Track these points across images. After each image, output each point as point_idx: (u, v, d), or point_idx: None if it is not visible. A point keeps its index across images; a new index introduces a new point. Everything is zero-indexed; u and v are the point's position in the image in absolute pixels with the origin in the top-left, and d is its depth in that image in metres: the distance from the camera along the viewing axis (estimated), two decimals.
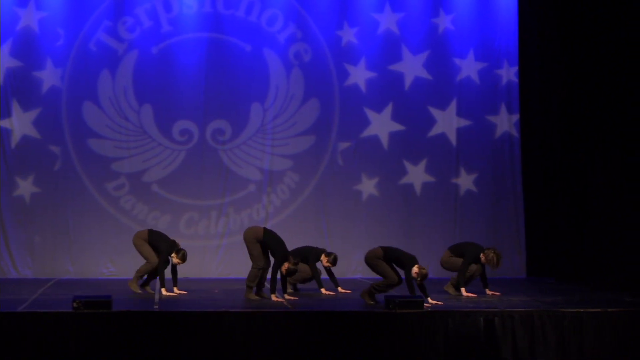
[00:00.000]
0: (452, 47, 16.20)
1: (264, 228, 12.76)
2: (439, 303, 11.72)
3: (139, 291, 12.98)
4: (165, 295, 12.72)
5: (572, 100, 15.76)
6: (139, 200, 15.54)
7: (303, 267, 13.10)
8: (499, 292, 13.09)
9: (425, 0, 16.15)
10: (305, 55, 15.95)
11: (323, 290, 13.10)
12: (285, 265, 12.34)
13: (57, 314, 10.66)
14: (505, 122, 16.25)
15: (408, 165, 16.08)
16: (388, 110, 16.08)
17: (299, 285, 13.54)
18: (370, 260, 12.24)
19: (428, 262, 15.61)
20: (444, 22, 16.15)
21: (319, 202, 15.93)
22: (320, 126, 15.97)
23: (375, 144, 16.04)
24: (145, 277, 13.12)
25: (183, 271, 14.40)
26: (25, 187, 15.35)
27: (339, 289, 13.31)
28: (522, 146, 16.30)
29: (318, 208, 15.90)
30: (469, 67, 16.20)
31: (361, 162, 16.02)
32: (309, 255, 13.26)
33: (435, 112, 16.16)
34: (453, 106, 16.18)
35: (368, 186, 16.01)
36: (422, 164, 16.11)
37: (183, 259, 12.99)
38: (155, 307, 11.62)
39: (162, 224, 15.37)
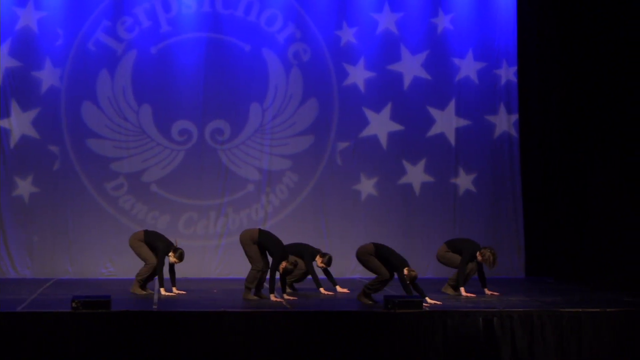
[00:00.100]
0: (451, 47, 16.20)
1: (259, 229, 12.78)
2: (438, 303, 11.72)
3: (144, 292, 12.98)
4: (164, 295, 12.72)
5: (571, 100, 15.77)
6: (138, 200, 15.54)
7: (296, 261, 13.09)
8: (498, 292, 13.10)
9: (424, 0, 16.15)
10: (304, 55, 15.95)
11: (322, 290, 13.10)
12: (283, 264, 12.35)
13: (56, 314, 10.67)
14: (504, 122, 16.25)
15: (407, 165, 16.09)
16: (387, 110, 16.08)
17: (298, 285, 13.55)
18: (362, 256, 12.28)
19: (427, 262, 15.68)
20: (443, 22, 16.15)
21: (317, 202, 15.93)
22: (319, 126, 15.97)
23: (374, 143, 16.04)
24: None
25: (182, 271, 14.42)
26: (24, 187, 15.34)
27: (338, 287, 13.31)
28: (521, 146, 16.30)
29: (317, 208, 15.90)
30: (468, 67, 16.20)
31: (360, 162, 16.02)
32: (304, 252, 13.26)
33: (434, 112, 16.16)
34: (452, 106, 16.18)
35: (367, 186, 16.01)
36: (421, 164, 16.11)
37: (180, 258, 12.99)
38: (154, 307, 11.62)
39: (161, 224, 15.37)
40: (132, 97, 15.61)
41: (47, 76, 15.41)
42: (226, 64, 15.78)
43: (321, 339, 10.79)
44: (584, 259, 15.32)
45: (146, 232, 13.33)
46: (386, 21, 16.05)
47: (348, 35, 15.98)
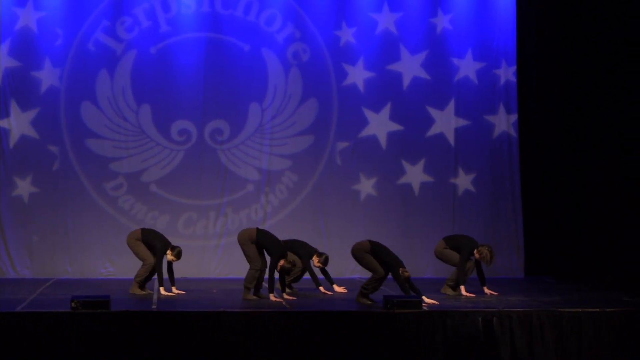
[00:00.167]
0: (451, 47, 16.20)
1: (257, 228, 12.79)
2: (435, 302, 11.73)
3: (143, 292, 12.98)
4: (164, 295, 12.72)
5: (570, 100, 15.79)
6: (138, 200, 15.54)
7: (294, 261, 13.09)
8: (497, 292, 13.10)
9: (424, 0, 16.15)
10: (304, 55, 15.95)
11: (321, 289, 13.10)
12: (281, 263, 12.35)
13: (55, 314, 10.67)
14: (503, 122, 16.24)
15: (406, 165, 16.09)
16: (386, 110, 16.08)
17: (297, 285, 13.54)
18: (357, 253, 12.30)
19: (426, 262, 15.69)
20: (442, 22, 16.15)
21: (317, 202, 15.93)
22: (318, 126, 15.97)
23: (373, 143, 16.04)
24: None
25: (181, 271, 14.43)
26: (24, 187, 15.34)
27: (335, 286, 13.31)
28: (521, 146, 16.30)
29: (316, 208, 15.90)
30: (467, 67, 16.20)
31: (359, 162, 16.02)
32: (301, 251, 13.23)
33: (433, 112, 16.16)
34: (451, 106, 16.18)
35: (366, 186, 16.01)
36: (421, 164, 16.11)
37: (178, 256, 12.99)
38: (154, 307, 11.63)
39: (161, 224, 15.37)
40: (131, 97, 15.61)
41: (47, 76, 15.41)
42: (225, 64, 15.78)
43: (321, 339, 10.80)
44: (584, 259, 15.33)
45: (143, 230, 13.33)
46: (385, 21, 16.05)
47: (347, 35, 15.98)
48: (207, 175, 15.74)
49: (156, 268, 12.91)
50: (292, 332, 10.79)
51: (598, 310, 11.33)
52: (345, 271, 15.41)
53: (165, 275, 13.01)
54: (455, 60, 16.18)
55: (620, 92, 14.96)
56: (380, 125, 16.04)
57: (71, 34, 15.46)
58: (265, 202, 15.80)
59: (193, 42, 15.73)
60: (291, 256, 12.97)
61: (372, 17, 16.04)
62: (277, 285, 12.68)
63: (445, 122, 16.16)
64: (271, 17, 15.85)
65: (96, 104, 15.53)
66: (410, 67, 16.09)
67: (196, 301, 12.29)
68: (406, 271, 11.98)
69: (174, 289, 12.98)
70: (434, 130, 16.16)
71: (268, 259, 12.62)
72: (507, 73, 16.26)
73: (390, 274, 12.12)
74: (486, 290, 13.04)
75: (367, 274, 12.76)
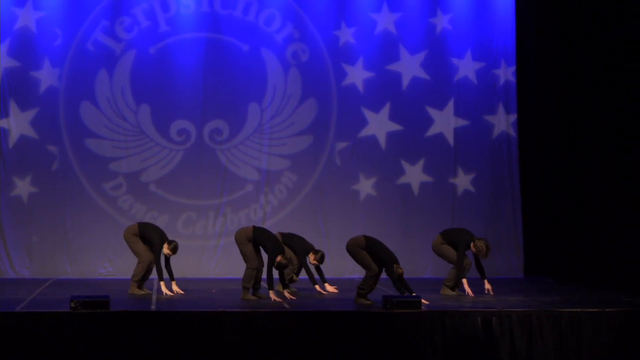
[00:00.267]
0: (450, 47, 16.19)
1: (253, 227, 12.80)
2: (425, 302, 11.72)
3: (143, 292, 12.97)
4: (164, 291, 12.70)
5: (569, 99, 15.78)
6: (137, 200, 15.54)
7: (291, 257, 13.08)
8: (496, 291, 13.11)
9: (423, 0, 16.15)
10: (303, 55, 15.95)
11: (317, 287, 13.07)
12: (278, 259, 12.34)
13: (54, 314, 10.67)
14: (502, 121, 16.25)
15: (406, 165, 16.08)
16: (385, 110, 16.07)
17: (296, 285, 13.53)
18: (352, 249, 12.31)
19: (426, 262, 15.69)
20: (442, 22, 16.15)
21: (316, 202, 15.93)
22: (317, 126, 15.97)
23: (372, 143, 16.04)
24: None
25: (181, 271, 14.42)
26: (23, 187, 15.34)
27: (327, 285, 13.26)
28: (520, 146, 16.30)
29: (316, 208, 15.90)
30: (466, 67, 16.20)
31: (359, 162, 16.02)
32: (297, 248, 13.18)
33: (432, 112, 16.16)
34: (450, 106, 16.18)
35: (366, 186, 16.01)
36: (420, 164, 16.11)
37: (174, 250, 12.97)
38: (153, 307, 11.62)
39: (160, 224, 15.25)
40: (130, 97, 15.61)
41: (46, 76, 15.41)
42: (225, 64, 15.78)
43: (320, 339, 10.79)
44: (583, 259, 15.32)
45: (140, 224, 13.31)
46: (385, 21, 16.05)
47: (347, 35, 15.98)
48: (206, 175, 15.74)
49: (155, 262, 12.88)
50: (291, 332, 10.79)
51: (598, 310, 11.33)
52: (344, 271, 15.42)
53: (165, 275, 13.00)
54: (454, 60, 16.17)
55: (619, 91, 14.96)
56: (379, 125, 16.04)
57: (70, 34, 15.46)
58: (264, 202, 15.80)
59: (192, 42, 15.73)
60: (288, 252, 12.96)
61: (372, 17, 16.04)
62: (278, 287, 12.69)
63: (445, 122, 16.16)
64: (270, 17, 15.85)
65: (95, 104, 15.53)
66: (409, 67, 16.09)
67: (195, 301, 12.29)
68: (400, 268, 12.00)
69: (174, 285, 12.95)
70: (433, 130, 16.16)
71: (265, 257, 12.62)
72: (506, 73, 16.26)
73: (384, 270, 12.12)
74: (486, 285, 13.02)
75: None
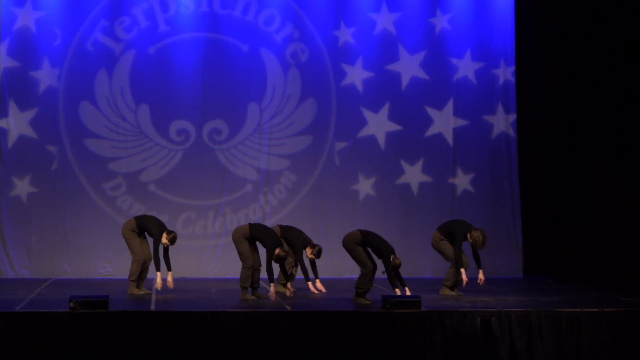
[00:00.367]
0: (449, 47, 16.19)
1: (249, 224, 12.80)
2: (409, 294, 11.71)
3: (142, 292, 12.97)
4: (159, 281, 12.68)
5: (568, 98, 15.79)
6: (136, 200, 15.53)
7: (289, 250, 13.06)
8: (496, 292, 13.11)
9: (422, 0, 16.15)
10: (302, 55, 15.95)
11: (310, 285, 12.95)
12: (277, 251, 12.34)
13: (54, 314, 10.67)
14: (502, 121, 16.24)
15: (405, 165, 16.09)
16: (385, 110, 16.08)
17: (294, 285, 13.51)
18: (348, 245, 12.32)
19: (425, 263, 15.70)
20: (441, 21, 16.14)
21: (315, 202, 15.93)
22: (317, 126, 15.97)
23: (372, 143, 16.04)
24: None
25: (180, 271, 14.43)
26: (23, 187, 15.34)
27: (318, 282, 13.13)
28: (519, 146, 16.30)
29: (315, 208, 15.90)
30: (465, 67, 16.20)
31: (358, 162, 16.02)
32: (295, 240, 13.10)
33: (432, 112, 16.16)
34: (450, 106, 16.18)
35: (365, 186, 16.01)
36: (419, 164, 16.11)
37: (172, 241, 12.95)
38: (152, 307, 11.63)
39: None
40: (130, 97, 15.61)
41: (45, 76, 15.41)
42: (224, 63, 15.78)
43: (319, 340, 10.80)
44: (583, 258, 15.33)
45: (137, 218, 13.30)
46: (384, 21, 16.05)
47: (346, 35, 15.98)
48: (205, 175, 15.74)
49: (153, 252, 12.87)
50: (291, 332, 10.79)
51: (597, 310, 11.33)
52: (344, 271, 15.43)
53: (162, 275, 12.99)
54: (454, 60, 16.17)
55: (618, 91, 14.97)
56: (379, 125, 16.04)
57: (70, 34, 15.45)
58: (264, 202, 15.80)
59: (191, 42, 15.73)
60: (286, 247, 12.93)
61: (371, 17, 16.04)
62: (279, 280, 12.69)
63: (444, 122, 16.16)
64: (270, 17, 15.85)
65: (95, 103, 15.53)
66: (408, 67, 16.09)
67: (195, 301, 12.29)
68: (397, 258, 12.02)
69: (169, 276, 12.88)
70: (432, 130, 16.16)
71: (263, 257, 12.62)
72: (505, 73, 16.25)
73: (381, 266, 12.11)
74: (480, 275, 13.01)
75: None
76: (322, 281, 13.27)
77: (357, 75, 16.02)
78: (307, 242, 13.13)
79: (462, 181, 16.15)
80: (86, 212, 15.45)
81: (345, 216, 15.86)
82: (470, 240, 12.97)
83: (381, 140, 16.04)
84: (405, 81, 16.09)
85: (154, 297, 12.54)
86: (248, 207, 15.75)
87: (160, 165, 15.69)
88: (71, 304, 10.69)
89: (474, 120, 16.22)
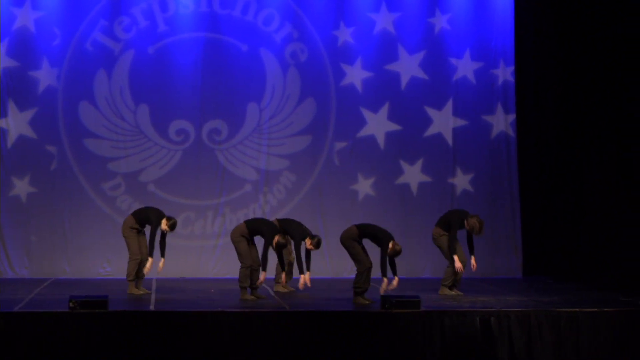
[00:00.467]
0: (449, 47, 16.19)
1: (245, 221, 12.78)
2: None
3: (141, 292, 12.97)
4: (148, 266, 12.74)
5: (568, 98, 15.80)
6: (136, 200, 15.52)
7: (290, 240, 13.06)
8: (494, 291, 13.10)
9: (422, 0, 16.15)
10: (302, 55, 15.95)
11: (301, 281, 12.85)
12: (275, 239, 12.34)
13: (53, 314, 10.67)
14: (501, 121, 16.25)
15: (404, 165, 16.08)
16: (384, 110, 16.07)
17: (294, 285, 13.53)
18: (346, 242, 12.32)
19: (425, 263, 15.70)
20: (440, 21, 16.15)
21: (315, 202, 15.93)
22: (316, 126, 15.97)
23: (371, 143, 16.04)
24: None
25: (179, 271, 14.48)
26: (22, 187, 15.33)
27: (307, 274, 13.01)
28: (519, 146, 16.29)
29: (314, 208, 15.90)
30: (465, 67, 16.20)
31: (357, 162, 16.02)
32: (294, 232, 13.06)
33: (431, 111, 16.16)
34: (449, 106, 16.18)
35: (364, 186, 16.01)
36: (419, 164, 16.11)
37: (172, 227, 12.97)
38: (152, 307, 11.62)
39: None
40: (129, 97, 15.60)
41: (45, 76, 15.41)
42: (223, 63, 15.78)
43: (319, 339, 10.79)
44: (582, 258, 15.33)
45: (135, 213, 13.26)
46: (383, 21, 16.05)
47: (345, 35, 15.98)
48: (205, 175, 15.74)
49: (150, 238, 12.88)
50: (290, 332, 10.79)
51: (596, 310, 11.33)
52: (343, 271, 15.43)
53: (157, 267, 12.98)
54: (453, 60, 16.17)
55: (618, 90, 14.97)
56: (378, 125, 16.04)
57: (69, 34, 15.45)
58: (263, 202, 15.80)
59: (191, 42, 15.73)
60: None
61: (370, 17, 16.04)
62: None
63: (443, 122, 16.16)
64: (269, 17, 15.85)
65: (94, 103, 15.53)
66: (408, 67, 16.09)
67: (194, 301, 12.29)
68: (397, 245, 12.06)
69: (161, 262, 12.90)
70: (432, 130, 16.16)
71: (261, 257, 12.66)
72: (505, 73, 16.25)
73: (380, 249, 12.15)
74: (472, 261, 13.01)
75: None
76: (321, 281, 13.29)
77: (356, 75, 16.02)
78: (306, 233, 13.07)
79: (461, 181, 16.15)
80: (85, 212, 15.45)
81: (345, 216, 15.82)
82: (467, 227, 12.98)
83: (380, 140, 16.04)
84: (404, 81, 16.09)
85: (153, 297, 12.54)
86: (247, 207, 15.74)
87: (160, 165, 15.68)
88: (70, 304, 10.69)
89: (473, 120, 16.22)
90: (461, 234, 13.12)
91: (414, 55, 16.10)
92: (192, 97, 15.72)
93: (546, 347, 11.07)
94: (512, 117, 16.27)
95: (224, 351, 10.67)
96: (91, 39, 15.49)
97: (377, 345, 10.82)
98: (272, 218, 14.31)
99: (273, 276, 13.51)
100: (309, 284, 12.85)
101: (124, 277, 13.20)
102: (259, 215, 15.65)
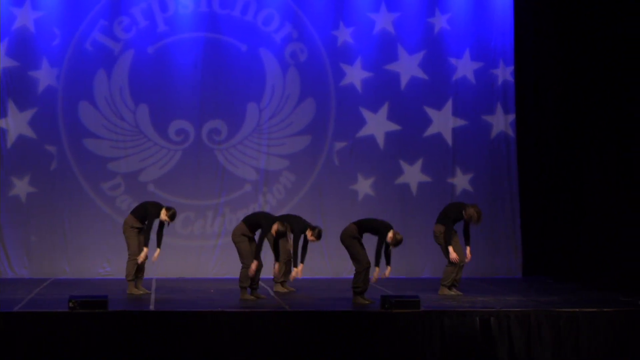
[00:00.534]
0: (448, 47, 16.20)
1: (243, 219, 12.75)
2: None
3: (141, 292, 12.98)
4: (142, 256, 12.76)
5: (567, 97, 15.80)
6: (136, 200, 15.48)
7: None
8: (494, 291, 13.10)
9: (421, 0, 16.15)
10: (301, 55, 15.95)
11: (293, 272, 12.84)
12: (275, 227, 12.34)
13: (53, 314, 10.67)
14: (501, 121, 16.25)
15: (404, 165, 16.08)
16: (384, 110, 16.07)
17: (293, 284, 13.53)
18: (345, 240, 12.34)
19: (424, 263, 15.70)
20: (440, 21, 16.15)
21: (315, 202, 15.93)
22: (316, 126, 15.97)
23: (371, 143, 16.04)
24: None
25: (179, 271, 14.47)
26: (22, 187, 15.33)
27: (300, 266, 13.01)
28: (518, 146, 16.29)
29: (314, 208, 15.89)
30: (464, 67, 16.20)
31: (357, 162, 16.02)
32: (294, 225, 13.06)
33: (431, 111, 16.16)
34: (449, 106, 16.18)
35: (364, 186, 16.01)
36: (418, 164, 16.11)
37: (172, 217, 12.98)
38: (151, 307, 11.63)
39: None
40: (129, 97, 15.60)
41: (44, 76, 15.40)
42: (223, 63, 15.78)
43: (319, 340, 10.79)
44: (582, 258, 15.33)
45: (134, 211, 13.25)
46: (383, 21, 16.05)
47: (345, 35, 15.98)
48: (204, 175, 15.74)
49: (145, 228, 12.92)
50: (290, 332, 10.79)
51: (596, 310, 11.34)
52: (343, 271, 15.42)
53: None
54: (452, 60, 16.18)
55: (618, 90, 14.97)
56: (378, 125, 16.04)
57: (69, 34, 15.45)
58: (263, 202, 15.79)
59: (191, 42, 15.73)
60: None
61: (370, 17, 16.04)
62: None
63: (443, 122, 16.16)
64: (269, 17, 15.85)
65: (94, 103, 15.53)
66: (407, 67, 16.09)
67: (194, 301, 12.29)
68: (398, 234, 12.09)
69: (156, 252, 12.96)
70: (431, 130, 16.16)
71: (264, 258, 12.64)
72: (504, 73, 16.26)
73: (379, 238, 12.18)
74: (467, 252, 13.01)
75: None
76: (321, 281, 13.29)
77: (356, 75, 16.02)
78: (306, 225, 13.07)
79: (461, 181, 16.15)
80: (85, 212, 15.45)
81: (345, 216, 15.77)
82: (465, 217, 12.99)
83: (380, 140, 16.04)
84: (404, 81, 16.09)
85: (153, 297, 12.54)
86: (247, 207, 15.73)
87: (160, 165, 15.68)
88: (70, 304, 10.69)
89: (473, 120, 16.22)
90: (459, 227, 13.11)
91: (414, 55, 16.10)
92: (192, 97, 15.72)
93: (546, 347, 11.07)
94: (511, 117, 16.27)
95: (224, 351, 10.67)
96: (91, 39, 15.49)
97: (377, 345, 10.82)
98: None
99: (272, 276, 13.52)
100: (300, 275, 12.85)
101: (124, 277, 13.19)
102: None
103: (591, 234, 15.26)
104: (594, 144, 15.35)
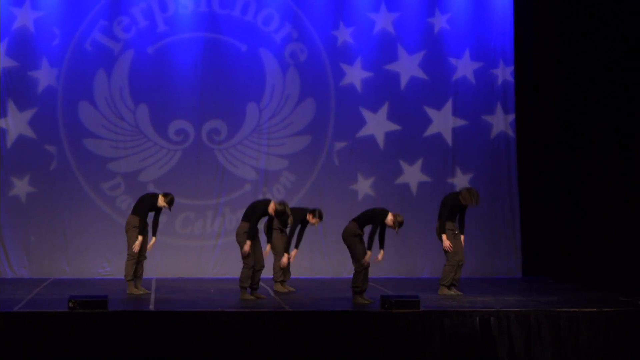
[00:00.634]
0: (448, 47, 16.20)
1: (242, 219, 12.75)
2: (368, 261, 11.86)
3: (141, 292, 12.97)
4: (137, 246, 12.80)
5: (567, 97, 15.80)
6: (135, 200, 15.46)
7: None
8: (494, 291, 13.10)
9: (421, 0, 16.15)
10: (301, 55, 15.95)
11: (284, 258, 12.92)
12: (273, 206, 12.36)
13: (53, 314, 10.67)
14: (501, 121, 16.25)
15: (404, 165, 16.08)
16: (384, 110, 16.07)
17: (293, 284, 13.53)
18: (347, 238, 12.33)
19: (424, 263, 15.69)
20: (440, 21, 16.15)
21: (315, 202, 15.88)
22: (316, 126, 15.97)
23: (371, 143, 16.04)
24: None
25: (179, 271, 14.45)
26: (21, 187, 15.33)
27: (294, 251, 13.02)
28: (518, 146, 16.29)
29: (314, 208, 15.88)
30: (464, 67, 16.20)
31: (357, 162, 16.02)
32: (293, 213, 13.03)
33: (431, 111, 16.16)
34: (449, 106, 16.18)
35: (364, 186, 16.01)
36: (418, 164, 16.11)
37: (170, 203, 13.03)
38: (151, 307, 11.62)
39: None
40: (129, 96, 15.60)
41: (44, 76, 15.41)
42: (223, 63, 15.78)
43: (318, 339, 10.79)
44: (582, 258, 15.33)
45: (134, 211, 13.24)
46: (383, 21, 16.05)
47: (345, 35, 15.98)
48: (204, 175, 15.74)
49: (140, 217, 12.97)
50: (290, 332, 10.79)
51: (595, 310, 11.33)
52: (343, 271, 15.41)
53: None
54: (452, 60, 16.18)
55: (617, 90, 14.98)
56: (377, 125, 16.04)
57: (68, 34, 15.45)
58: None
59: (190, 42, 15.73)
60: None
61: (370, 17, 16.04)
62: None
63: (443, 122, 16.16)
64: (269, 17, 15.85)
65: (93, 103, 15.53)
66: (407, 67, 16.09)
67: (194, 301, 12.29)
68: (399, 215, 12.13)
69: (151, 242, 13.03)
70: (431, 130, 16.16)
71: (265, 258, 12.65)
72: (504, 73, 16.26)
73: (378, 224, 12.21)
74: (461, 240, 13.06)
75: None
76: (321, 281, 13.29)
77: (356, 75, 16.02)
78: (305, 211, 13.11)
79: (461, 181, 16.14)
80: (85, 212, 15.45)
81: (345, 216, 15.73)
82: (463, 202, 12.99)
83: (380, 140, 16.04)
84: (404, 81, 16.10)
85: (153, 297, 12.54)
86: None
87: (159, 165, 15.68)
88: (70, 304, 10.69)
89: (472, 120, 16.22)
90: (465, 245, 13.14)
91: (414, 55, 16.11)
92: (192, 97, 15.72)
93: (546, 347, 11.07)
94: (511, 117, 16.27)
95: (224, 351, 10.67)
96: (91, 39, 15.50)
97: (377, 345, 10.82)
98: None
99: (271, 276, 13.52)
100: (292, 260, 12.93)
101: (124, 277, 13.19)
102: None
103: (591, 234, 15.26)
104: (594, 144, 15.35)
